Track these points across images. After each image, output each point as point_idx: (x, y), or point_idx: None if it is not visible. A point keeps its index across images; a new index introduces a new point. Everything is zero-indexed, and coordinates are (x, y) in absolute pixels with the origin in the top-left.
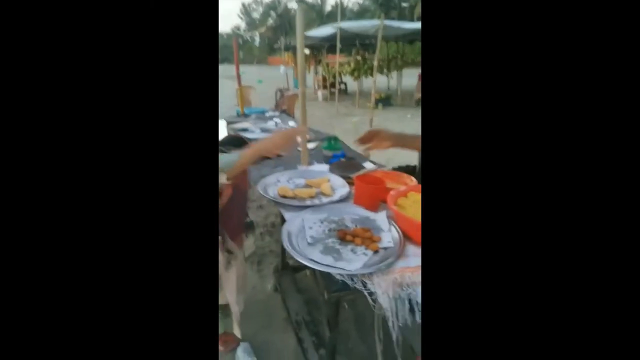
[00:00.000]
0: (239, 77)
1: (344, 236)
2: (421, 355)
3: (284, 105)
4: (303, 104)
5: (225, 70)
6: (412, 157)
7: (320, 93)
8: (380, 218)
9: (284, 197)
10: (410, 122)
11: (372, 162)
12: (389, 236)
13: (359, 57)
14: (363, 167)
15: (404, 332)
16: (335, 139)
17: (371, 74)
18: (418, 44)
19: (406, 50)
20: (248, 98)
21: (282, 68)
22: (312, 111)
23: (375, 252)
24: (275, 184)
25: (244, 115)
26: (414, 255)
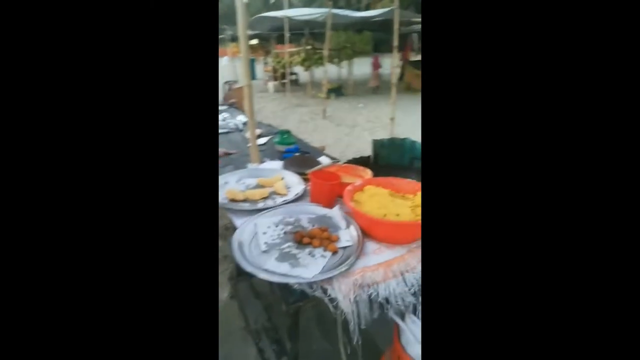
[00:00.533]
0: None
1: (301, 239)
2: (421, 355)
3: (233, 99)
4: (249, 97)
5: None
6: (366, 148)
7: (270, 84)
8: (337, 215)
9: (233, 200)
10: (362, 111)
11: (327, 155)
12: (347, 234)
13: (309, 47)
14: (318, 162)
15: (369, 329)
16: (288, 132)
17: (322, 64)
18: (367, 33)
19: (356, 40)
20: None
21: (224, 59)
22: (263, 103)
23: (334, 253)
24: (222, 186)
25: None
26: (373, 253)
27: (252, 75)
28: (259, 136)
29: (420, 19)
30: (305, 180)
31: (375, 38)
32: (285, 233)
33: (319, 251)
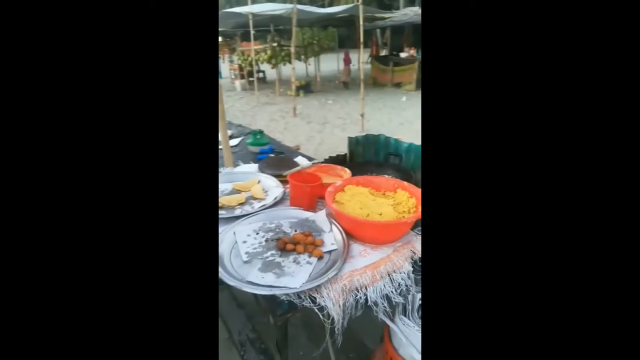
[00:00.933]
0: None
1: (284, 246)
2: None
3: None
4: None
5: None
6: (339, 145)
7: (238, 83)
8: (320, 218)
9: None
10: (332, 107)
11: (303, 155)
12: (332, 237)
13: (275, 44)
14: (295, 163)
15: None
16: (261, 132)
17: (289, 61)
18: (332, 30)
19: (321, 36)
20: None
21: None
22: (231, 102)
23: (320, 258)
24: None
25: None
26: (359, 255)
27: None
28: (230, 137)
29: (383, 15)
30: (283, 182)
31: (340, 34)
32: (267, 240)
33: (304, 257)
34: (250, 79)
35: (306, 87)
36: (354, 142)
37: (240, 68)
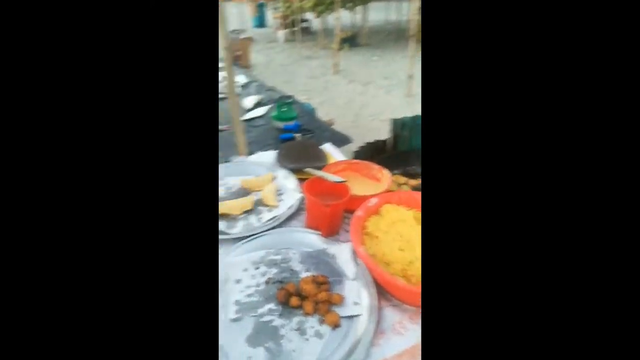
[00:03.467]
0: None
1: (288, 299)
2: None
3: (237, 51)
4: (227, 57)
5: None
6: (382, 111)
7: (280, 33)
8: (343, 255)
9: None
10: (378, 64)
11: (337, 133)
12: (356, 290)
13: None
14: (322, 155)
15: None
16: (289, 104)
17: (334, 10)
18: None
19: None
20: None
21: (231, 5)
22: (271, 55)
23: (336, 327)
24: None
25: None
26: (393, 330)
27: (262, 22)
28: (257, 105)
29: None
30: (303, 181)
31: None
32: (267, 282)
33: (312, 324)
34: (294, 29)
35: (352, 40)
36: (399, 125)
37: (284, 17)
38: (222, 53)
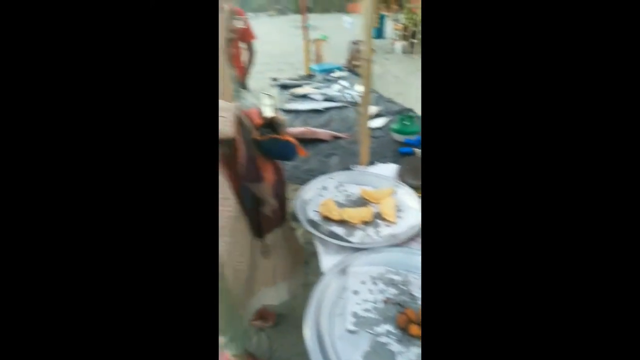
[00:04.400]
0: (304, 29)
1: (407, 325)
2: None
3: (357, 61)
4: (368, 66)
5: (297, 21)
6: None
7: (398, 44)
8: None
9: (327, 219)
10: None
11: None
12: None
13: None
14: None
15: None
16: (410, 117)
17: None
18: None
19: None
20: (319, 53)
21: (346, 20)
22: (387, 67)
23: None
24: (319, 192)
25: (309, 76)
26: None
27: (381, 34)
28: (376, 115)
29: None
30: None
31: None
32: (385, 302)
33: None
34: (413, 40)
35: None
36: None
37: (405, 28)
38: (354, 64)
